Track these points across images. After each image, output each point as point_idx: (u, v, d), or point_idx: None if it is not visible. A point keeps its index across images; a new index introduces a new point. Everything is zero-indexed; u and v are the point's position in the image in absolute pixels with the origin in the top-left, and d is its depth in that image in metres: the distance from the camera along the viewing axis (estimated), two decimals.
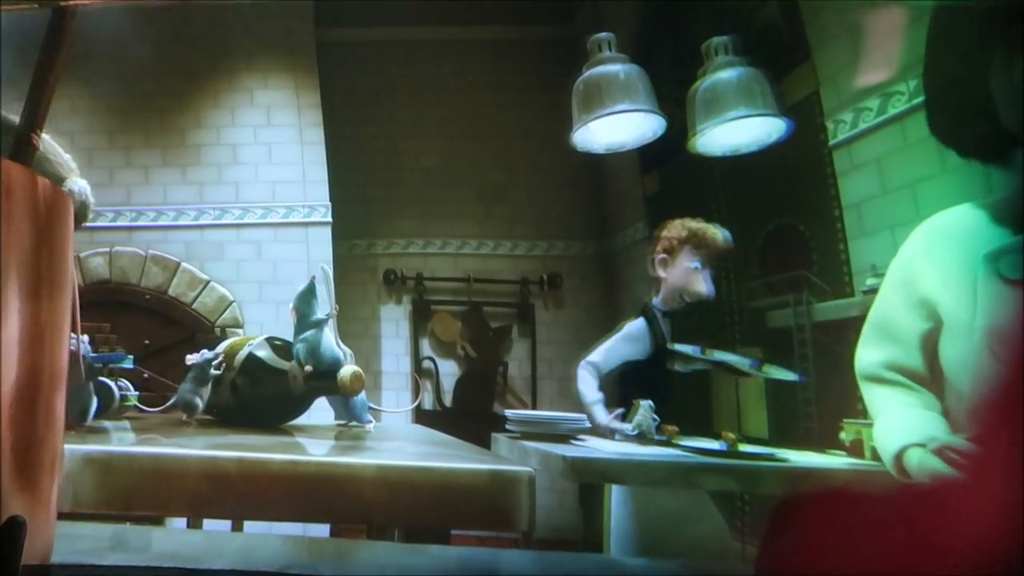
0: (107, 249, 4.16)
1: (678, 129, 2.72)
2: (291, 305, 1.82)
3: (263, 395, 1.78)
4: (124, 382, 1.61)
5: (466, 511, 1.14)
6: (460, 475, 1.15)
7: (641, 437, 2.17)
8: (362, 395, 1.89)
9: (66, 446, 0.97)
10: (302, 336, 1.75)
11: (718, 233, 2.39)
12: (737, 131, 2.55)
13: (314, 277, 1.84)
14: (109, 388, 1.49)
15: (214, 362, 1.82)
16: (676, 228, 2.41)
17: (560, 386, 4.85)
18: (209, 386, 1.81)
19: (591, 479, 1.81)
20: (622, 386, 2.45)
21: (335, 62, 4.84)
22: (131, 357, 1.61)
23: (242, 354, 1.84)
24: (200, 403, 1.78)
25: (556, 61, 5.01)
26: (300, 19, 4.44)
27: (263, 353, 1.81)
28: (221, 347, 1.90)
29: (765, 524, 0.74)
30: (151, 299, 4.10)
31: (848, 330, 2.55)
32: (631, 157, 4.50)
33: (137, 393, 1.61)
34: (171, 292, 4.13)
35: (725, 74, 2.47)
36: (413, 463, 1.18)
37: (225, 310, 4.13)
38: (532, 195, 5.02)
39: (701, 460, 1.88)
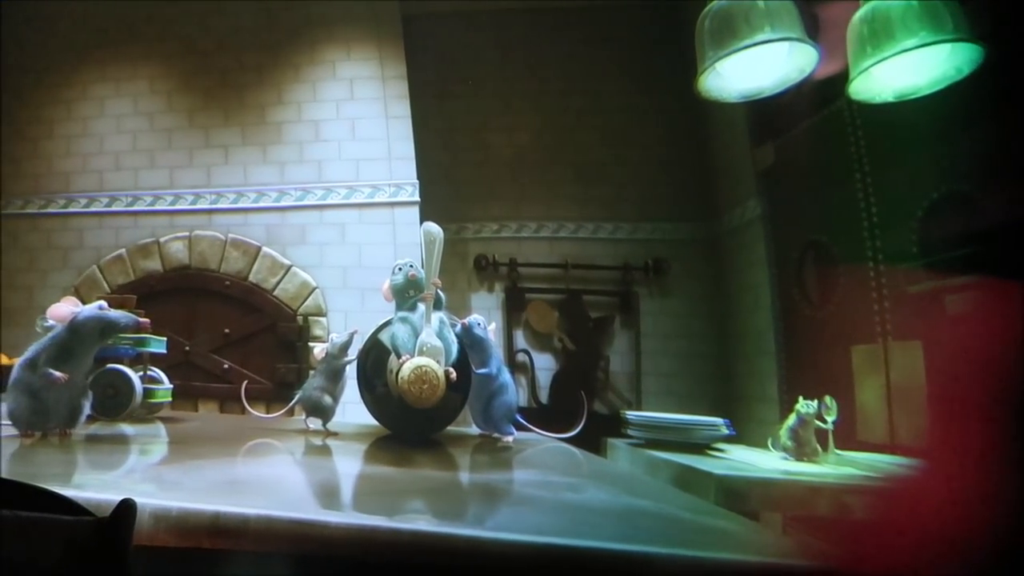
0: (187, 233, 3.98)
1: (799, 89, 2.27)
2: None
3: (382, 396, 1.41)
4: (156, 371, 1.26)
5: None
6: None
7: (800, 447, 1.72)
8: (509, 400, 1.54)
9: None
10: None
11: None
12: (913, 68, 2.03)
13: (406, 265, 1.43)
14: (127, 378, 1.14)
15: (348, 348, 1.49)
16: None
17: (667, 383, 4.43)
18: (343, 381, 1.49)
19: (748, 505, 1.37)
20: None
21: (422, 35, 4.55)
22: (164, 340, 1.27)
23: (371, 334, 1.48)
24: (332, 403, 1.46)
25: (658, 27, 4.59)
26: None
27: (387, 337, 1.40)
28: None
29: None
30: (231, 285, 3.89)
31: None
32: (741, 126, 4.04)
33: (171, 387, 1.27)
34: (252, 278, 3.91)
35: None
36: (628, 547, 0.66)
37: (308, 297, 3.88)
38: (634, 173, 4.62)
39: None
